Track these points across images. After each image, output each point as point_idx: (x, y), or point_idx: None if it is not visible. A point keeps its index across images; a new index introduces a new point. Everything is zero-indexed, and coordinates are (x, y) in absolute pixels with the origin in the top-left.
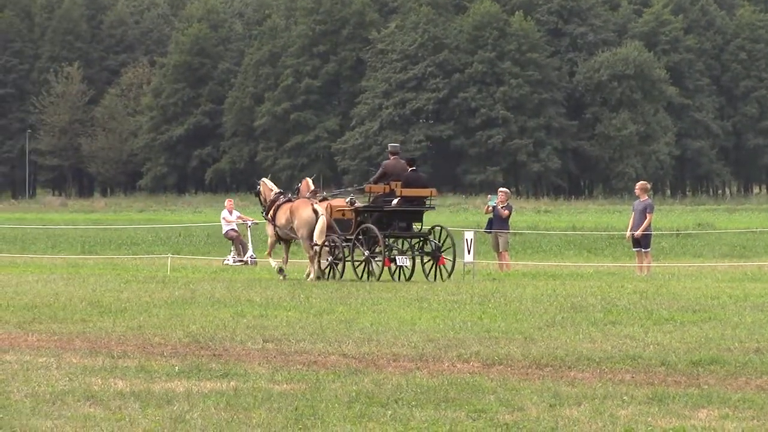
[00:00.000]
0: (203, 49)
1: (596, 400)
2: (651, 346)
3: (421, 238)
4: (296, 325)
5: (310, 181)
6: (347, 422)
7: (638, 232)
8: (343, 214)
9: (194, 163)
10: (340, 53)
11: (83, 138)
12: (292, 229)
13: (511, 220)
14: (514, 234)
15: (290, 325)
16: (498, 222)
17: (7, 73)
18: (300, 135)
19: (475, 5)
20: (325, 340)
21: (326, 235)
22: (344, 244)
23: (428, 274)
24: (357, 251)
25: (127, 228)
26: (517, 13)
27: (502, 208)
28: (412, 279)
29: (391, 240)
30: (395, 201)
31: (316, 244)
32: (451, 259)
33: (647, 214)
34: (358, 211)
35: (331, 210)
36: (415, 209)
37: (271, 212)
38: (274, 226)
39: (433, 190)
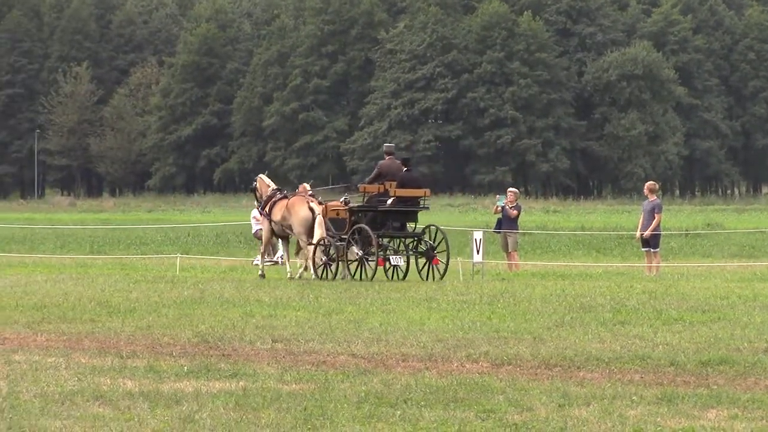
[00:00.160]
0: (212, 49)
1: (605, 400)
2: (660, 346)
3: (415, 238)
4: (305, 325)
5: (307, 186)
6: (356, 422)
7: (647, 233)
8: (338, 214)
9: (203, 163)
10: (349, 53)
11: (92, 138)
12: (287, 225)
13: (520, 220)
14: (523, 234)
15: (299, 325)
16: (507, 222)
17: (16, 73)
18: (309, 135)
19: (484, 5)
20: (334, 340)
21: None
22: (338, 243)
23: (422, 274)
24: (350, 251)
25: (135, 228)
26: (525, 13)
27: (511, 208)
28: (407, 279)
29: (386, 240)
30: (389, 201)
31: (313, 243)
32: (445, 260)
33: (656, 214)
34: (352, 211)
35: (326, 210)
36: (409, 209)
37: (267, 207)
38: (270, 221)
39: (427, 191)
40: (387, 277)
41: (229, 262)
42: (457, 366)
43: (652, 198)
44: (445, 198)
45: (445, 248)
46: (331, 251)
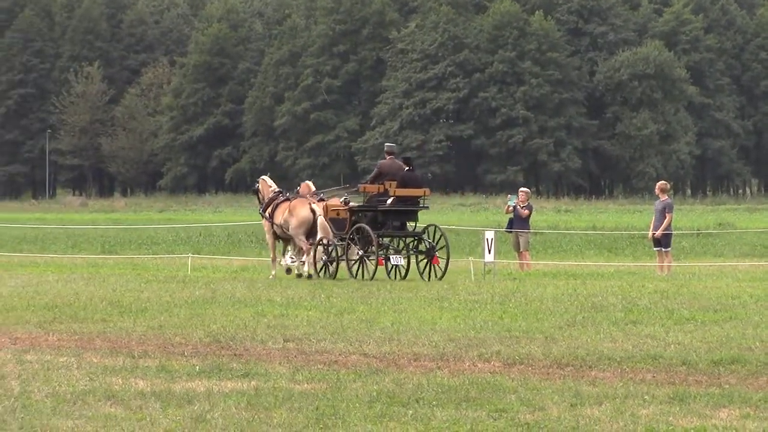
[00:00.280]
0: (223, 49)
1: (617, 399)
2: (672, 346)
3: (416, 238)
4: (317, 324)
5: (310, 183)
6: (368, 422)
7: (658, 233)
8: (338, 214)
9: (214, 163)
10: (360, 53)
11: (103, 138)
12: (288, 227)
13: (531, 219)
14: (535, 233)
15: (311, 325)
16: (518, 222)
17: (28, 73)
18: (320, 135)
19: (495, 5)
20: (345, 340)
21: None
22: (338, 243)
23: (423, 273)
24: (350, 250)
25: (147, 228)
26: (537, 12)
27: (522, 207)
28: (409, 278)
29: (387, 239)
30: (389, 201)
31: (318, 242)
32: (445, 258)
33: (666, 214)
34: (352, 211)
35: (326, 210)
36: (408, 209)
37: (269, 210)
38: (272, 224)
39: (427, 190)
40: (388, 277)
41: (241, 261)
42: (468, 365)
43: (664, 198)
44: (457, 197)
45: (445, 248)
46: (331, 251)
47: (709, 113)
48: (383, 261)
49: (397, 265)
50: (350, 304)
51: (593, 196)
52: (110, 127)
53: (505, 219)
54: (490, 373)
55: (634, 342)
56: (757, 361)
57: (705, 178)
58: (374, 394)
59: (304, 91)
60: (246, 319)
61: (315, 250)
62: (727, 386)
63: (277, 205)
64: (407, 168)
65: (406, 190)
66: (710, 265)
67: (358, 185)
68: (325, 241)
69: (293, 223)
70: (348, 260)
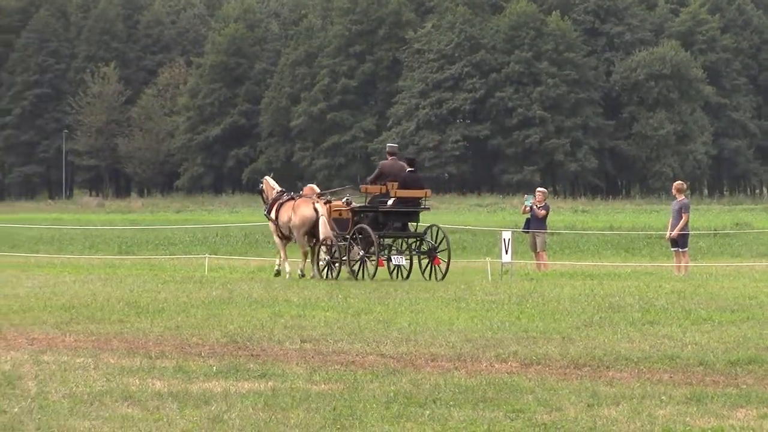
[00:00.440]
0: (240, 49)
1: (634, 400)
2: (689, 346)
3: (417, 238)
4: (334, 325)
5: (315, 186)
6: (385, 422)
7: (674, 233)
8: (340, 214)
9: (231, 163)
10: (377, 53)
11: (120, 138)
12: (292, 226)
13: (548, 219)
14: (552, 234)
15: (328, 325)
16: (535, 222)
17: (44, 73)
18: (336, 135)
19: (512, 5)
20: (363, 340)
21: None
22: (340, 243)
23: (423, 272)
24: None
25: (164, 228)
26: (553, 12)
27: (539, 207)
28: (421, 279)
29: (390, 240)
30: (390, 201)
31: (321, 242)
32: (446, 259)
33: (683, 214)
34: (354, 211)
35: (329, 210)
36: (409, 210)
37: (273, 210)
38: (277, 225)
39: (428, 191)
40: (390, 277)
41: (258, 262)
42: (486, 366)
43: (680, 198)
44: (474, 198)
45: (446, 248)
46: (334, 251)
47: (725, 113)
48: (384, 262)
49: (399, 266)
50: (367, 305)
51: (610, 197)
52: (127, 127)
53: (522, 219)
54: (507, 373)
55: (651, 342)
56: None
57: (721, 178)
58: (391, 394)
59: (321, 92)
60: (263, 319)
61: (318, 251)
62: (745, 386)
63: (282, 205)
64: (410, 169)
65: (407, 191)
66: (727, 266)
67: (360, 186)
68: (327, 242)
69: (295, 221)
70: (349, 261)
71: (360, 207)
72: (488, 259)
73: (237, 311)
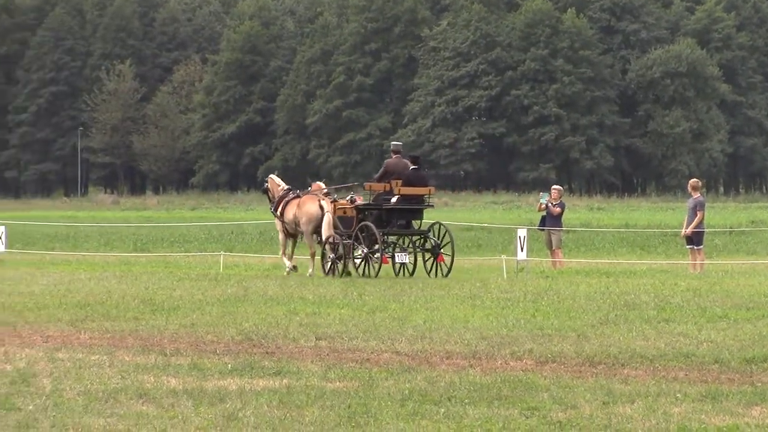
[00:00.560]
0: (255, 47)
1: (649, 397)
2: (704, 344)
3: (421, 236)
4: (349, 322)
5: (322, 184)
6: (400, 420)
7: (688, 230)
8: (345, 213)
9: (246, 161)
10: (392, 51)
11: (135, 136)
12: (298, 224)
13: (564, 217)
14: (567, 231)
15: (343, 323)
16: (551, 219)
17: (59, 71)
18: (352, 132)
19: (527, 3)
20: (378, 338)
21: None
22: (345, 241)
23: (429, 271)
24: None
25: (179, 226)
26: (569, 10)
27: (554, 205)
28: (416, 275)
29: (394, 237)
30: (394, 199)
31: (326, 240)
32: (450, 255)
33: (697, 212)
34: (359, 209)
35: (333, 208)
36: (413, 207)
37: (280, 208)
38: (283, 222)
39: (432, 188)
40: (396, 275)
41: (273, 259)
42: (501, 363)
43: (696, 195)
44: (489, 195)
45: (450, 246)
46: (339, 249)
47: (741, 111)
48: (388, 259)
49: (403, 263)
50: (382, 302)
51: (626, 194)
52: (142, 124)
53: (538, 217)
54: (523, 371)
55: (666, 340)
56: None
57: (737, 176)
58: (406, 392)
59: (336, 89)
60: (278, 317)
61: (323, 248)
62: (760, 384)
63: (287, 203)
64: (413, 166)
65: (411, 188)
66: (743, 263)
67: (364, 183)
68: (331, 240)
69: (302, 219)
70: (353, 258)
71: (364, 205)
72: (504, 256)
73: (252, 309)
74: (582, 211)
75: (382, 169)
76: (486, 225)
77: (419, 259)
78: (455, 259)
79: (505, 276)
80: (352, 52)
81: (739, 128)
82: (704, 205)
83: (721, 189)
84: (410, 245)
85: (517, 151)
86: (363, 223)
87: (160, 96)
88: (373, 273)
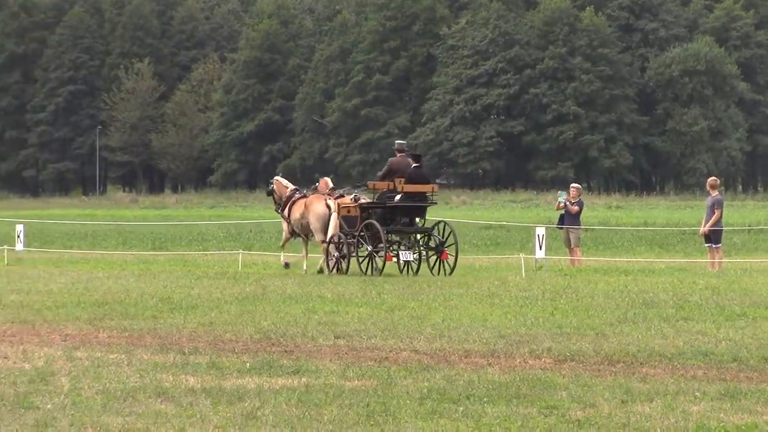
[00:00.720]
0: (273, 45)
1: (668, 396)
2: (723, 342)
3: (425, 234)
4: (368, 321)
5: (329, 180)
6: (419, 419)
7: (705, 228)
8: (349, 211)
9: (265, 159)
10: (411, 49)
11: (154, 134)
12: (305, 223)
13: (582, 215)
14: (586, 230)
15: (362, 321)
16: (569, 218)
17: (78, 70)
18: (370, 131)
19: (546, 1)
20: (396, 336)
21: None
22: (349, 240)
23: (433, 269)
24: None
25: (197, 224)
26: (587, 8)
27: (572, 204)
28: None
29: (399, 236)
30: (397, 197)
31: (330, 239)
32: (454, 254)
33: (715, 210)
34: (362, 208)
35: (338, 207)
36: (417, 205)
37: (287, 208)
38: (289, 222)
39: (435, 186)
40: (400, 273)
41: (292, 259)
42: (519, 362)
43: (714, 194)
44: (508, 194)
45: (454, 244)
46: (343, 247)
47: (759, 109)
48: (391, 257)
49: (407, 261)
50: (401, 301)
51: (644, 193)
52: (160, 123)
53: (556, 215)
54: (541, 369)
55: (685, 338)
56: None
57: (756, 174)
58: (425, 390)
59: (355, 87)
60: (296, 315)
61: (327, 247)
62: None
63: (294, 202)
64: (415, 164)
65: (414, 186)
66: (761, 261)
67: (368, 182)
68: (336, 239)
69: (311, 219)
70: (358, 256)
71: (368, 203)
72: (522, 255)
73: (270, 307)
74: (600, 210)
75: (385, 168)
76: (504, 223)
77: (423, 257)
78: (458, 257)
79: (523, 274)
80: (370, 50)
81: (757, 126)
82: (722, 204)
83: (740, 187)
84: (414, 243)
85: (535, 150)
86: (367, 221)
87: (179, 94)
88: (378, 269)
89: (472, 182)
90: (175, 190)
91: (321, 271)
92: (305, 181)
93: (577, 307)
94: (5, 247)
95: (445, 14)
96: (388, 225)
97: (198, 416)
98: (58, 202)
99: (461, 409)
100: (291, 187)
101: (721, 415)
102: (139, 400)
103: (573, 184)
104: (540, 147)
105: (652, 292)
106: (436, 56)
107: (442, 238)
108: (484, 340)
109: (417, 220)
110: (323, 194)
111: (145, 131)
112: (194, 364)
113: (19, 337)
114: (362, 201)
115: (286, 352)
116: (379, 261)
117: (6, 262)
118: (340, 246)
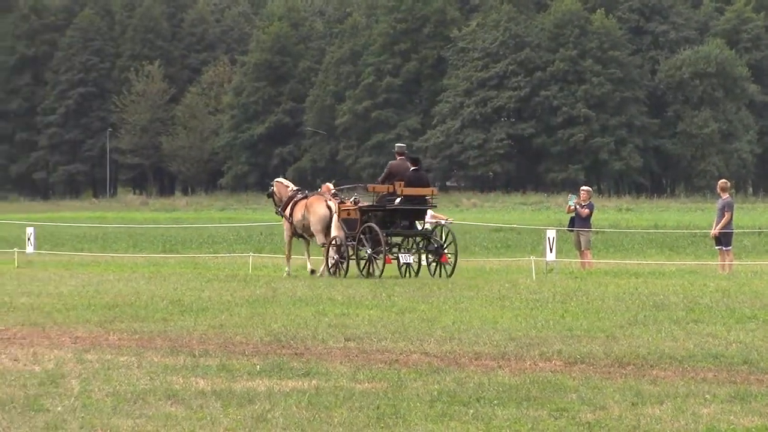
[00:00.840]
0: (284, 48)
1: (678, 398)
2: (733, 345)
3: (425, 237)
4: (378, 323)
5: (330, 185)
6: (429, 421)
7: (715, 231)
8: (349, 214)
9: (275, 162)
10: (421, 51)
11: (164, 137)
12: (307, 224)
13: (593, 218)
14: (596, 232)
15: (372, 324)
16: (579, 220)
17: (88, 72)
18: (381, 133)
19: (556, 3)
20: (407, 339)
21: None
22: (349, 242)
23: (432, 272)
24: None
25: (208, 227)
26: (598, 11)
27: (582, 206)
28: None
29: (399, 238)
30: (397, 200)
31: (330, 241)
32: (453, 256)
33: (725, 212)
34: (362, 211)
35: (338, 210)
36: (416, 208)
37: (288, 209)
38: (291, 223)
39: (434, 189)
40: (401, 276)
41: (302, 261)
42: (530, 364)
43: (724, 196)
44: (518, 196)
45: (453, 247)
46: (343, 250)
47: None
48: (391, 259)
49: (407, 264)
50: (411, 303)
51: (655, 195)
52: (171, 125)
53: (567, 218)
54: (552, 372)
55: (695, 341)
56: None
57: (766, 177)
58: (435, 393)
59: (365, 90)
60: (307, 318)
61: (327, 249)
62: None
63: (296, 203)
64: (413, 168)
65: (413, 189)
66: None
67: (367, 185)
68: (336, 241)
69: (312, 220)
70: (357, 259)
71: (368, 206)
72: (533, 257)
73: (281, 310)
74: (611, 212)
75: (385, 171)
76: (515, 226)
77: (422, 259)
78: (458, 260)
79: (534, 277)
80: (381, 52)
81: None
82: (732, 206)
83: (750, 190)
84: (414, 246)
85: (546, 152)
86: (367, 224)
87: (189, 97)
88: (377, 273)
89: (483, 185)
90: (185, 192)
91: (313, 272)
92: (309, 186)
93: (588, 309)
94: (16, 249)
95: (456, 17)
96: (387, 228)
97: (208, 419)
98: (68, 205)
99: (471, 411)
100: (293, 187)
101: (732, 417)
102: (149, 403)
103: (583, 187)
104: (550, 149)
105: (662, 294)
106: (447, 58)
107: (442, 241)
108: (495, 343)
109: (416, 222)
110: (324, 195)
111: (156, 134)
112: (204, 366)
113: (30, 340)
114: (362, 204)
115: (296, 354)
116: (378, 264)
117: (16, 265)
118: (341, 248)
